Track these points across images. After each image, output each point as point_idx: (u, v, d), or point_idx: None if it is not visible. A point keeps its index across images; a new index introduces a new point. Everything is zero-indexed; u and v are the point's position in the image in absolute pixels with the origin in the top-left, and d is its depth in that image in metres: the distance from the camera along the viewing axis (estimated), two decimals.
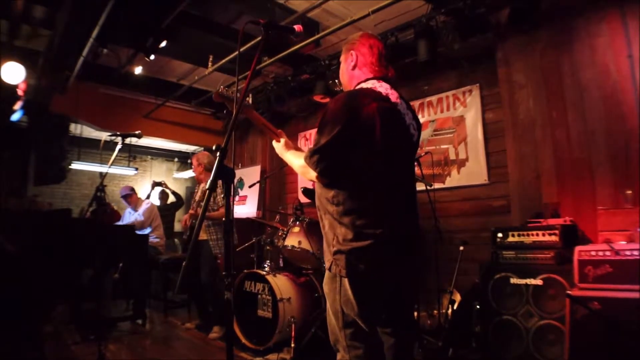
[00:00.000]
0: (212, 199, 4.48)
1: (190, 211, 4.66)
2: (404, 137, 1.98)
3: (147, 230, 5.91)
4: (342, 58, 2.16)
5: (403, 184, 2.00)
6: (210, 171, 1.62)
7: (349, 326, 1.86)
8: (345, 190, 1.83)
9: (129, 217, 6.15)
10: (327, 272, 1.93)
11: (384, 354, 1.99)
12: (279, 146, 2.20)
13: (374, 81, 1.98)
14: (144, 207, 6.08)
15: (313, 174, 1.87)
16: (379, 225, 1.80)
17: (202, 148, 8.91)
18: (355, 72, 2.07)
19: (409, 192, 2.04)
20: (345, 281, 1.80)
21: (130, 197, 6.20)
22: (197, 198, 4.78)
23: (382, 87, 1.95)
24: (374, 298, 1.85)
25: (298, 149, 2.21)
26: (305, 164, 1.88)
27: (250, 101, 6.24)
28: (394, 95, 1.95)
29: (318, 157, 1.81)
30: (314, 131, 6.86)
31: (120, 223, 6.17)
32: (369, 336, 1.89)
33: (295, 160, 2.04)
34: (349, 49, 2.10)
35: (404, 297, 2.02)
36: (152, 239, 5.89)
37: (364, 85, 1.99)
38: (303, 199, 4.97)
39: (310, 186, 5.75)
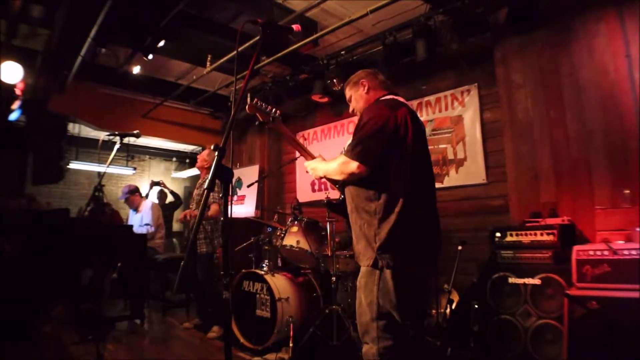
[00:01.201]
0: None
1: (190, 212, 4.68)
2: (424, 139, 2.25)
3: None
4: (351, 92, 2.42)
5: (430, 180, 2.24)
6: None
7: (382, 318, 1.98)
8: (384, 187, 2.01)
9: (132, 217, 6.08)
10: (364, 268, 2.06)
11: (409, 350, 2.09)
12: (314, 162, 2.37)
13: (391, 95, 2.26)
14: (148, 211, 5.91)
15: (354, 165, 2.02)
16: (417, 219, 2.02)
17: (201, 148, 8.91)
18: (370, 94, 2.35)
19: (433, 188, 2.26)
20: (388, 273, 1.95)
21: (129, 199, 6.02)
22: (195, 196, 4.79)
23: (400, 99, 2.22)
24: (412, 289, 2.03)
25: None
26: (344, 160, 2.07)
27: (249, 100, 6.24)
28: (408, 104, 2.22)
29: (360, 147, 2.01)
30: (312, 131, 6.86)
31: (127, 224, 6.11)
32: (400, 329, 2.00)
33: (330, 165, 2.21)
34: (358, 82, 2.39)
35: (427, 291, 2.30)
36: (155, 240, 5.84)
37: (384, 97, 2.24)
38: (301, 199, 4.97)
39: (314, 187, 5.74)
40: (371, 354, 1.97)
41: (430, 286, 2.31)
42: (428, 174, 2.24)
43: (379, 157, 2.01)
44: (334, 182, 2.45)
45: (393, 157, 2.02)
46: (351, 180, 2.12)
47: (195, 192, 4.87)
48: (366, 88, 2.35)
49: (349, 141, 2.31)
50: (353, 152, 2.02)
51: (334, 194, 4.19)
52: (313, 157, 2.44)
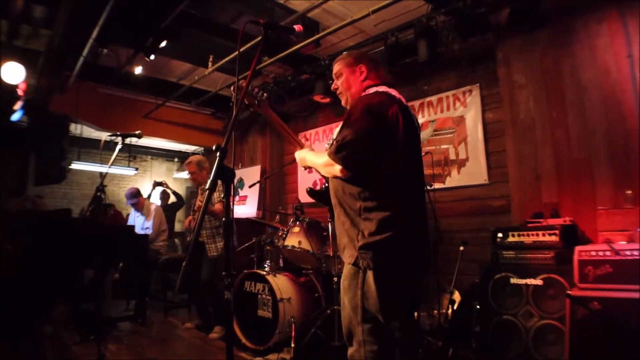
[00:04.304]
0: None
1: (191, 217, 4.69)
2: (416, 136, 2.13)
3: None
4: (344, 71, 2.23)
5: (419, 180, 2.14)
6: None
7: (367, 321, 1.92)
8: (371, 186, 1.93)
9: (134, 216, 6.07)
10: (348, 268, 1.99)
11: (395, 352, 2.05)
12: (302, 152, 2.28)
13: (385, 87, 2.10)
14: (152, 215, 5.89)
15: (337, 168, 1.94)
16: (404, 219, 1.93)
17: (202, 148, 8.91)
18: (366, 83, 2.18)
19: (423, 188, 2.18)
20: (370, 275, 1.88)
21: (137, 203, 6.00)
22: (196, 206, 4.76)
23: (394, 92, 2.09)
24: (396, 292, 1.94)
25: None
26: (327, 161, 1.97)
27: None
28: (403, 99, 2.10)
29: (345, 152, 1.90)
30: (314, 131, 6.87)
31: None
32: (386, 333, 1.95)
33: (318, 159, 2.12)
34: (355, 64, 2.21)
35: (417, 293, 2.19)
36: (158, 243, 5.84)
37: (377, 89, 2.09)
38: (303, 199, 4.96)
39: (315, 187, 5.75)
40: (357, 357, 1.93)
41: (421, 288, 2.23)
42: (417, 174, 2.13)
43: (363, 162, 1.92)
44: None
45: (381, 157, 1.93)
46: (336, 179, 2.07)
47: (198, 199, 4.83)
48: (364, 74, 2.18)
49: (337, 131, 2.22)
50: (337, 155, 1.92)
51: None
52: (301, 145, 2.37)
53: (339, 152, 1.91)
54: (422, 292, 2.29)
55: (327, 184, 2.38)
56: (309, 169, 2.32)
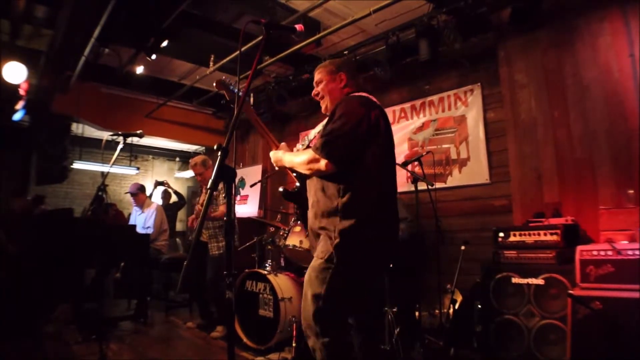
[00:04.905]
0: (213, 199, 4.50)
1: (194, 216, 4.69)
2: (393, 144, 2.22)
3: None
4: (324, 78, 2.34)
5: (393, 184, 2.23)
6: None
7: (325, 313, 1.96)
8: (352, 184, 1.99)
9: (135, 215, 6.07)
10: (318, 262, 2.01)
11: (353, 342, 2.14)
12: (278, 152, 2.37)
13: (365, 93, 2.22)
14: (152, 214, 5.89)
15: (323, 163, 1.98)
16: (381, 218, 2.01)
17: (204, 148, 8.92)
18: (345, 90, 2.30)
19: (396, 193, 2.25)
20: (340, 272, 1.94)
21: (137, 195, 6.01)
22: (199, 203, 4.76)
23: (374, 99, 2.20)
24: (361, 290, 2.08)
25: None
26: (312, 157, 2.02)
27: (252, 102, 6.22)
28: (382, 107, 2.21)
29: (331, 147, 1.97)
30: (315, 130, 6.85)
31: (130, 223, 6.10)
32: (343, 324, 2.06)
33: (297, 157, 2.17)
34: (335, 72, 2.32)
35: (377, 292, 2.32)
36: (159, 242, 5.84)
37: (358, 94, 2.21)
38: None
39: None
40: (318, 348, 1.98)
41: (382, 287, 2.30)
42: (392, 178, 2.21)
43: (348, 158, 1.99)
44: (292, 170, 2.40)
45: (362, 157, 2.01)
46: (317, 176, 2.12)
47: (201, 198, 4.83)
48: (344, 82, 2.29)
49: (317, 129, 2.33)
50: (322, 150, 1.98)
51: None
52: (277, 145, 2.46)
53: (324, 147, 1.98)
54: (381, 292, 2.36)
55: (298, 184, 2.45)
56: (284, 169, 2.38)
